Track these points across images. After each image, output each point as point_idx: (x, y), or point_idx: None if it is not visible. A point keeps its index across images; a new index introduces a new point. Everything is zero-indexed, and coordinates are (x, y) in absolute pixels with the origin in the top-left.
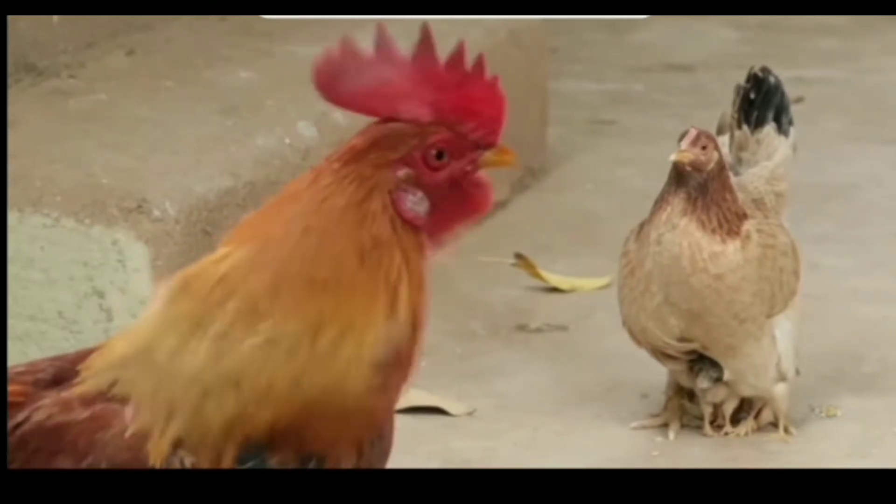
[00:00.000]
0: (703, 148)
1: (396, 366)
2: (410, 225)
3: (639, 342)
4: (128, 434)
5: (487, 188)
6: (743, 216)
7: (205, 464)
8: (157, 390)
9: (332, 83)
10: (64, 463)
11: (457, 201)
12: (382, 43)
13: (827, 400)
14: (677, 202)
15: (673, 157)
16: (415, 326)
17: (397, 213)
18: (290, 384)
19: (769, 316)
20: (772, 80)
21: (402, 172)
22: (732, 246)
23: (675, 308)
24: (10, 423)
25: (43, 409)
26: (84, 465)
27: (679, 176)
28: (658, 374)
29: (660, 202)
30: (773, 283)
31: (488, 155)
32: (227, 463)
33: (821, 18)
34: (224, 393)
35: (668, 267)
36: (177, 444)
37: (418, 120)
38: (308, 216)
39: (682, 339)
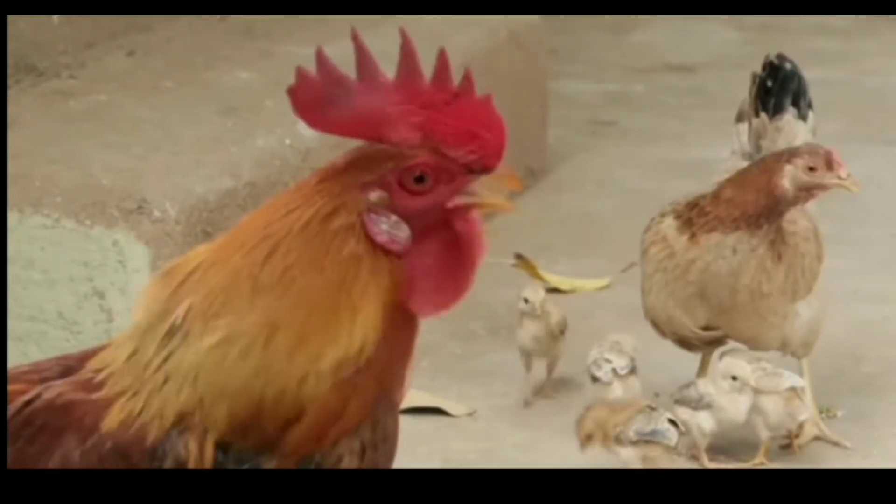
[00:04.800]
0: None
1: (362, 373)
2: (384, 249)
3: (663, 333)
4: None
5: (478, 226)
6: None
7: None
8: (122, 373)
9: (314, 110)
10: (69, 440)
11: (445, 232)
12: (365, 65)
13: (827, 400)
14: (760, 233)
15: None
16: (383, 340)
17: (368, 236)
18: (244, 383)
19: (793, 301)
20: (788, 66)
21: (375, 195)
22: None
23: (705, 301)
24: (20, 401)
25: (54, 388)
26: (88, 443)
27: (776, 208)
28: (659, 375)
29: (739, 219)
30: (796, 270)
31: (485, 179)
32: (195, 452)
33: (821, 19)
34: (181, 385)
35: (717, 275)
36: (177, 427)
37: (407, 143)
38: (272, 224)
39: (705, 329)
